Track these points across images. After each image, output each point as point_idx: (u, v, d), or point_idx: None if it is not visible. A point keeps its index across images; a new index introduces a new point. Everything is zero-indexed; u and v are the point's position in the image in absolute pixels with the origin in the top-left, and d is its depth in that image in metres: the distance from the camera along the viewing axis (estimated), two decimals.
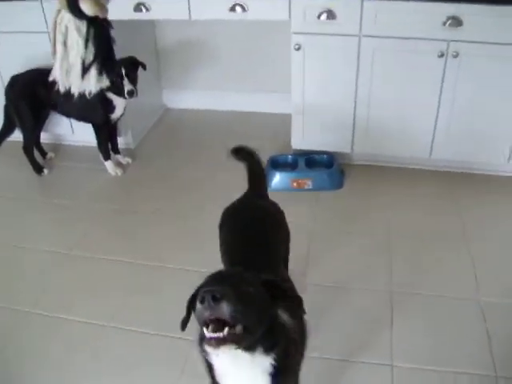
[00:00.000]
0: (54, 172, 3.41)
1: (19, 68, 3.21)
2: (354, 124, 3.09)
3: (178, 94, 4.08)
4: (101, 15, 2.71)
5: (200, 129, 3.87)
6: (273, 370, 1.25)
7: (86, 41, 2.74)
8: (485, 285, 2.41)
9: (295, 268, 2.47)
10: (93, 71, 2.84)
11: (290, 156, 3.26)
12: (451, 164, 3.18)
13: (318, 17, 2.79)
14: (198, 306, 1.09)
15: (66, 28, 2.71)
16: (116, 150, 3.43)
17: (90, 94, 2.93)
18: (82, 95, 3.06)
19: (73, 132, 3.53)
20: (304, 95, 3.06)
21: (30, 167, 3.35)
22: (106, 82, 2.94)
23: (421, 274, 2.48)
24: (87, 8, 2.63)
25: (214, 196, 3.04)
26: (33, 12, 3.15)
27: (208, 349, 1.14)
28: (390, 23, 2.75)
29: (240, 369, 1.24)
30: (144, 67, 3.11)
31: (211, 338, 1.09)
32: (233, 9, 2.92)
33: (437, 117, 2.96)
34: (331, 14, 2.77)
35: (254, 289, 1.18)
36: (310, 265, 2.55)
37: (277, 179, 3.04)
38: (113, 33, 2.89)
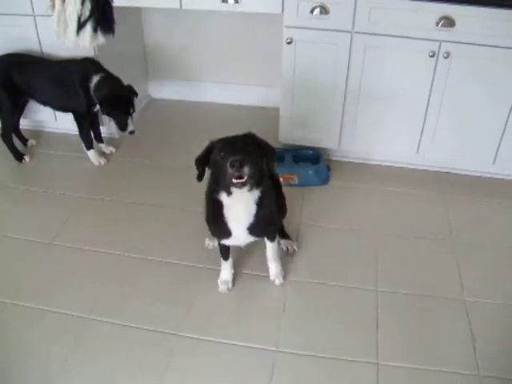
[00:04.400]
0: (36, 160, 3.34)
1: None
2: (342, 120, 3.09)
3: (163, 85, 4.03)
4: None
5: (185, 120, 3.83)
6: (258, 201, 2.00)
7: None
8: (469, 284, 2.43)
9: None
10: (88, 28, 2.82)
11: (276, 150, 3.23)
12: (438, 164, 3.20)
13: (311, 11, 2.77)
14: (229, 168, 1.77)
15: None
16: (99, 139, 3.38)
17: (84, 48, 2.92)
18: (62, 83, 3.02)
19: (55, 119, 3.45)
20: (293, 89, 3.04)
21: (10, 155, 3.28)
22: (100, 40, 2.90)
23: (406, 273, 2.49)
24: None
25: (197, 188, 3.01)
26: None
27: (234, 190, 1.87)
28: (383, 21, 2.74)
29: (242, 201, 1.97)
30: (136, 96, 3.12)
31: (238, 183, 1.81)
32: (225, 0, 2.89)
33: (425, 116, 2.97)
34: (324, 9, 2.75)
35: (256, 152, 1.89)
36: (295, 261, 2.54)
37: None
38: None
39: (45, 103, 3.19)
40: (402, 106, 2.98)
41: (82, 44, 2.87)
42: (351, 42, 2.83)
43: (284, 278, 2.41)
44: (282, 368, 2.04)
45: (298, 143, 3.22)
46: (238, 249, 2.44)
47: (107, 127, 3.50)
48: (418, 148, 3.09)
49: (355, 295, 2.37)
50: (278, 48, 2.99)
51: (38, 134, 3.59)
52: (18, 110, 3.25)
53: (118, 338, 2.16)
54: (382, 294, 2.37)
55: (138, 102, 3.87)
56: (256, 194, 1.99)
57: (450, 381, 2.00)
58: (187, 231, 2.72)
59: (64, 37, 2.86)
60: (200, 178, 1.99)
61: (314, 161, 3.18)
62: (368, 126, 3.08)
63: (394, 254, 2.61)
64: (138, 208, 2.90)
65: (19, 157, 3.28)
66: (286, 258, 2.51)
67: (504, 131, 2.93)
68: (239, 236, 2.13)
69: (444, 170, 3.22)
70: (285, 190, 2.50)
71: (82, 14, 2.77)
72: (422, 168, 3.24)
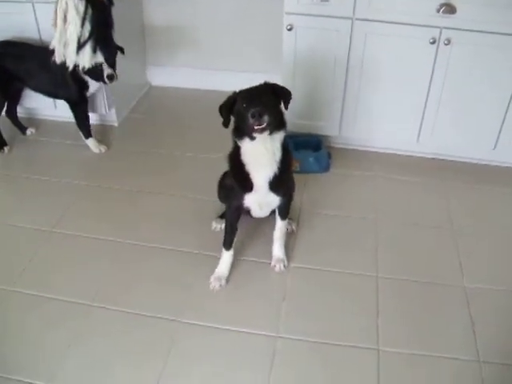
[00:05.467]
0: (36, 148, 3.34)
1: None
2: (342, 107, 3.08)
3: (163, 72, 4.01)
4: None
5: (184, 107, 3.82)
6: (284, 142, 2.11)
7: (83, 19, 2.81)
8: (469, 271, 2.44)
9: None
10: (87, 48, 2.88)
11: None
12: (439, 151, 3.20)
13: None
14: (250, 118, 1.92)
15: (66, 4, 2.77)
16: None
17: (83, 68, 2.94)
18: (53, 71, 3.00)
19: (55, 107, 3.44)
20: (294, 76, 3.03)
21: (11, 143, 3.29)
22: (99, 59, 2.94)
23: (406, 260, 2.50)
24: None
25: (196, 175, 3.03)
26: None
27: (256, 134, 1.99)
28: (384, 7, 2.73)
29: (266, 145, 2.05)
30: (122, 51, 3.06)
31: (258, 129, 1.94)
32: None
33: (426, 103, 2.97)
34: None
35: (273, 98, 2.05)
36: (296, 247, 2.55)
37: None
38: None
39: (36, 89, 3.19)
40: (402, 93, 2.97)
41: (82, 63, 2.93)
42: (352, 28, 2.82)
43: (285, 266, 2.42)
44: (282, 354, 2.05)
45: (298, 130, 3.20)
46: (241, 236, 2.45)
47: (108, 115, 3.50)
48: (419, 135, 3.09)
49: (356, 282, 2.37)
50: (279, 34, 2.97)
51: (38, 122, 3.58)
52: (12, 97, 3.26)
53: (119, 325, 2.16)
54: (383, 280, 2.38)
55: (137, 90, 3.88)
56: (278, 138, 2.08)
57: (450, 366, 2.01)
58: (187, 218, 2.72)
59: (64, 55, 2.92)
60: (226, 124, 2.09)
61: (315, 148, 3.17)
62: (369, 112, 3.08)
63: (395, 240, 2.62)
64: (138, 195, 2.90)
65: (1, 145, 3.26)
66: (287, 241, 2.51)
67: (505, 118, 2.93)
68: (260, 189, 2.15)
69: (445, 158, 3.22)
70: None
71: (81, 35, 2.84)
72: (422, 155, 3.24)
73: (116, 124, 3.56)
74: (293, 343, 2.09)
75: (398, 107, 3.03)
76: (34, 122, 3.57)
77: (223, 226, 2.46)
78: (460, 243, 2.59)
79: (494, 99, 2.89)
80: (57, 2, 2.79)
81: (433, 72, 2.86)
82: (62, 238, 2.61)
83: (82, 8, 2.78)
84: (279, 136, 2.08)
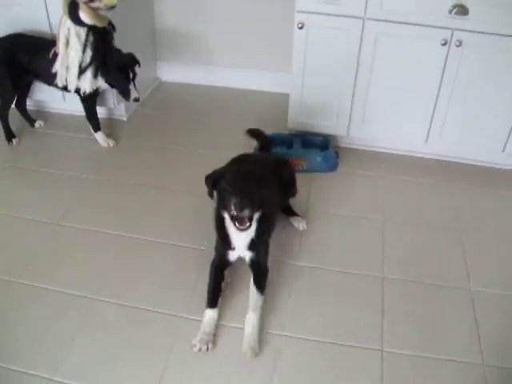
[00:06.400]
0: (44, 140, 3.34)
1: (1, 31, 3.11)
2: (351, 107, 3.08)
3: (173, 67, 4.01)
4: (99, 25, 2.86)
5: (194, 104, 3.82)
6: (258, 219, 2.10)
7: (85, 46, 2.90)
8: (475, 274, 2.43)
9: (287, 250, 2.47)
10: (88, 73, 2.97)
11: (286, 135, 3.22)
12: (447, 153, 3.19)
13: None
14: (233, 208, 1.93)
15: (69, 30, 2.86)
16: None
17: (84, 93, 3.05)
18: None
19: (64, 100, 3.44)
20: (304, 75, 3.03)
21: (20, 136, 3.31)
22: (101, 84, 3.04)
23: (412, 261, 2.49)
24: (86, 18, 2.81)
25: (202, 172, 3.01)
26: None
27: (237, 229, 2.01)
28: (396, 8, 2.72)
29: None
30: (139, 65, 3.09)
31: (239, 228, 1.99)
32: None
33: (435, 105, 2.96)
34: None
35: (268, 184, 2.10)
36: (302, 247, 2.55)
37: None
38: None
39: (48, 82, 3.17)
40: (412, 95, 2.97)
41: (83, 88, 3.01)
42: (363, 28, 2.81)
43: (256, 354, 2.02)
44: (286, 352, 2.05)
45: (307, 129, 3.21)
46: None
47: (117, 110, 3.50)
48: (428, 136, 3.08)
49: (362, 282, 2.37)
50: (290, 32, 2.96)
51: (46, 114, 3.59)
52: (22, 90, 3.26)
53: (123, 320, 2.16)
54: (389, 281, 2.37)
55: (147, 85, 3.87)
56: (257, 215, 2.08)
57: (454, 369, 2.01)
58: (193, 214, 2.72)
59: (65, 79, 2.99)
60: (210, 195, 2.18)
61: (322, 147, 3.17)
62: (377, 113, 3.07)
63: (401, 241, 2.61)
64: (145, 191, 2.90)
65: (9, 137, 3.27)
66: (294, 240, 2.53)
67: None
68: (239, 249, 2.20)
69: (452, 160, 3.21)
70: None
71: (83, 61, 2.93)
72: (430, 157, 3.23)
73: (125, 118, 3.57)
74: (296, 342, 2.09)
75: (408, 108, 3.02)
76: (43, 114, 3.58)
77: None
78: (467, 245, 2.59)
79: (504, 102, 2.88)
80: (60, 27, 2.87)
81: (443, 74, 2.85)
82: (68, 230, 2.61)
83: (83, 35, 2.86)
84: (257, 214, 2.08)
